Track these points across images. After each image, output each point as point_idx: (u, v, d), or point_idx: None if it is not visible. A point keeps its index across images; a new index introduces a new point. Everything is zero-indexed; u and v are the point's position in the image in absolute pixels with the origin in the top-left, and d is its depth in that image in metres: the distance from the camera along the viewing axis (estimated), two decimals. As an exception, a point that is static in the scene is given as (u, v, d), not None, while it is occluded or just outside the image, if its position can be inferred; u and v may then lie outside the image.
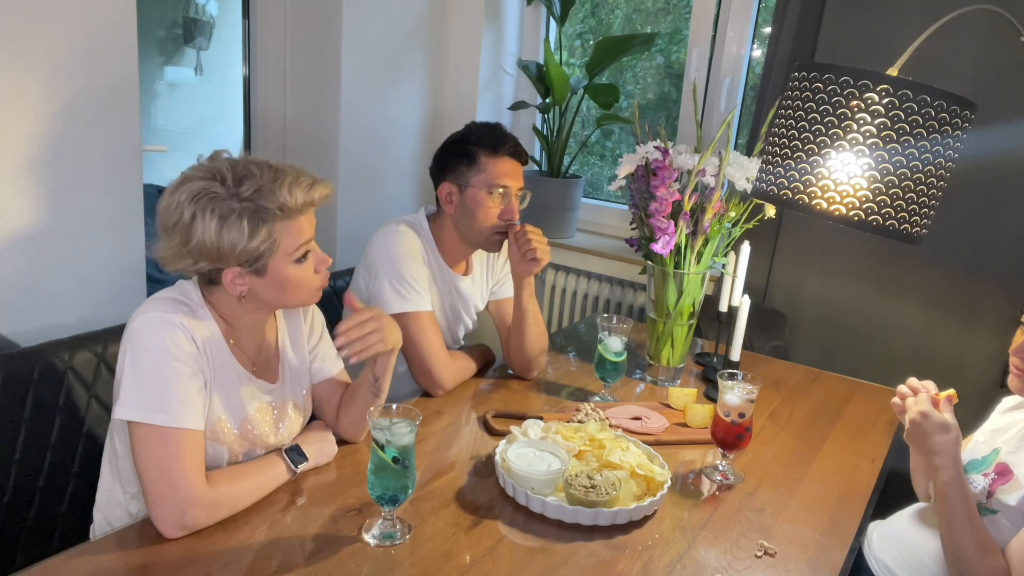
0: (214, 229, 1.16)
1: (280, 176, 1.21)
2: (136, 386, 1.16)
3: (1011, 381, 1.33)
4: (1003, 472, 1.29)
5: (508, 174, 1.76)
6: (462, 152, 1.78)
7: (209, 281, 1.26)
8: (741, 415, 1.44)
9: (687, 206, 1.82)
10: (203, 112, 5.03)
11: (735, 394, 1.44)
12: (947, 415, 1.27)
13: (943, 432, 1.25)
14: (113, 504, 1.31)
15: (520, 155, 1.79)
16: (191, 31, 4.83)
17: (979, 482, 1.31)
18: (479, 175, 1.76)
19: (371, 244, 1.78)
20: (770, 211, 1.96)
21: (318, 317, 1.49)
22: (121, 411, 1.15)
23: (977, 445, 1.41)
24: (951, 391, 1.32)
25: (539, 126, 2.94)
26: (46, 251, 1.70)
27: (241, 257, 1.19)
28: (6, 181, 1.60)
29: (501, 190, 1.76)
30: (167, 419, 1.15)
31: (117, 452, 1.29)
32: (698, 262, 1.88)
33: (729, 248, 1.95)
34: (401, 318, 1.73)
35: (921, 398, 1.29)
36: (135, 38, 1.77)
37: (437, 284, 1.83)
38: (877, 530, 1.51)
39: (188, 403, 1.17)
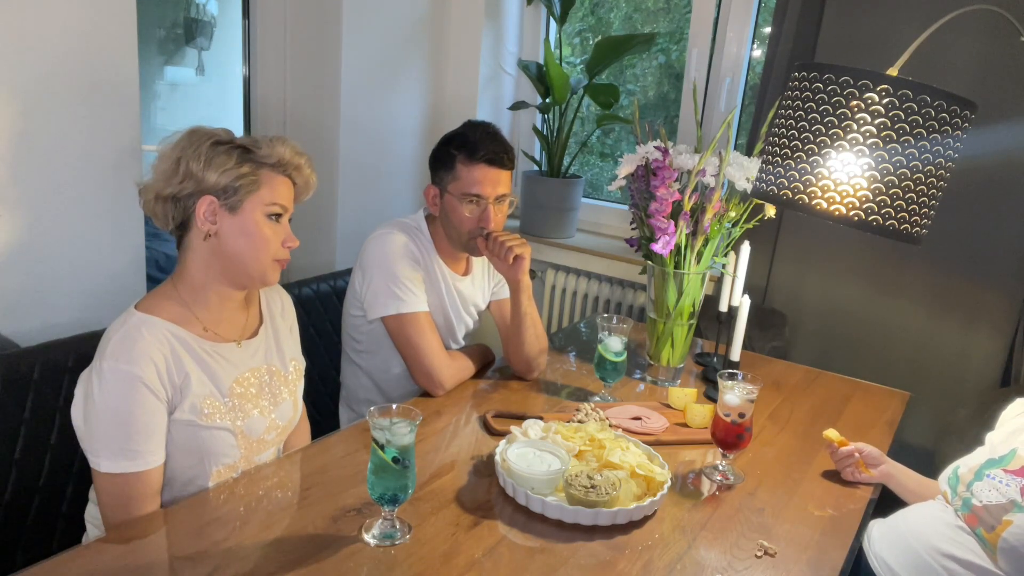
0: (206, 153, 1.26)
1: (272, 137, 1.33)
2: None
3: None
4: None
5: (481, 182, 1.72)
6: (443, 155, 1.77)
7: (181, 231, 1.30)
8: (741, 415, 1.44)
9: (687, 206, 1.82)
10: (203, 112, 5.02)
11: (735, 394, 1.44)
12: (862, 476, 1.51)
13: None
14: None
15: (499, 161, 1.73)
16: (191, 31, 4.83)
17: (1007, 480, 1.30)
18: (454, 182, 1.75)
19: (365, 247, 1.79)
20: (770, 211, 1.96)
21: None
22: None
23: (994, 446, 1.41)
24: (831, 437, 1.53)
25: (539, 126, 2.94)
26: (46, 251, 1.70)
27: (221, 183, 1.25)
28: (5, 181, 1.60)
29: (474, 199, 1.74)
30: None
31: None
32: (698, 262, 1.87)
33: (729, 248, 1.95)
34: (397, 319, 1.73)
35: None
36: (135, 38, 1.77)
37: (435, 285, 1.83)
38: (877, 528, 1.51)
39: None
